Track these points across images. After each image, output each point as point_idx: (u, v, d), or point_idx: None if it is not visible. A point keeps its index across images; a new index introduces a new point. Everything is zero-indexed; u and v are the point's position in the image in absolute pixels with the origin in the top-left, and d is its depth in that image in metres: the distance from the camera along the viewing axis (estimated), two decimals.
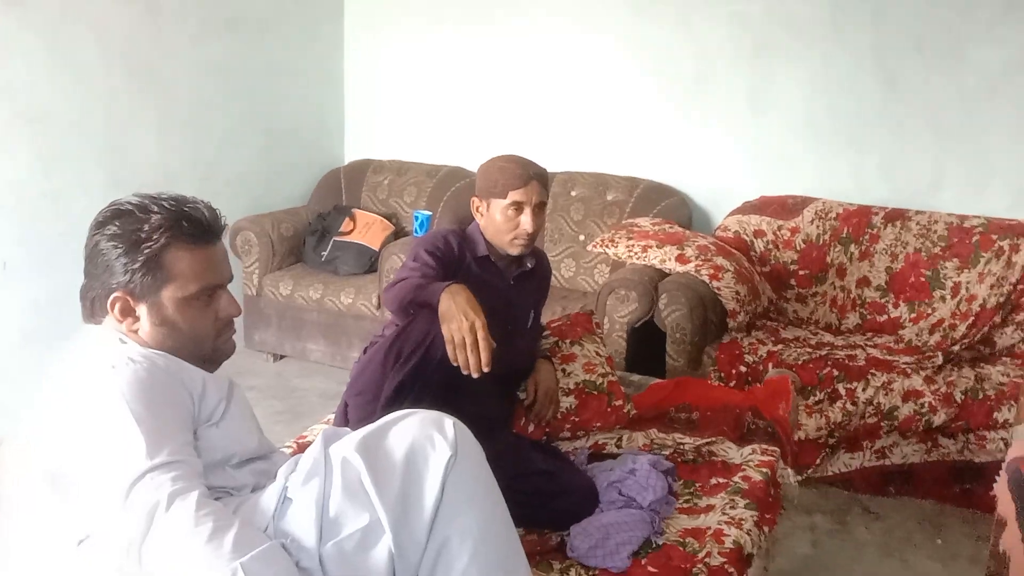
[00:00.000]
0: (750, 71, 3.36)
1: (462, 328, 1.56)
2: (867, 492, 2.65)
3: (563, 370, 2.15)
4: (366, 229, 3.63)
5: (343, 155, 4.26)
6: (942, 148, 3.13)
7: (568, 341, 2.23)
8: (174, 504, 1.01)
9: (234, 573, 0.97)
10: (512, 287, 2.00)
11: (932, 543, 2.42)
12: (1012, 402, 2.50)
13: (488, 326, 1.59)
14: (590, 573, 1.56)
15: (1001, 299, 2.82)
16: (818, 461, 2.63)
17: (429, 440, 1.14)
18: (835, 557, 2.34)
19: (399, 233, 3.71)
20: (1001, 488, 2.03)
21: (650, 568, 1.57)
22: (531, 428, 2.06)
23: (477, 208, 1.95)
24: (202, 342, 1.26)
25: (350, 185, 3.98)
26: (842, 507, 2.58)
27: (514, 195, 1.87)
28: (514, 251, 1.93)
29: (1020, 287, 2.83)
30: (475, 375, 1.56)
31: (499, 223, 1.90)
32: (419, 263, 1.82)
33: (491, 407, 1.89)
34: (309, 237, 3.70)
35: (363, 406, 1.75)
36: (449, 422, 1.17)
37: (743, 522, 1.71)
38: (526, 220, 1.88)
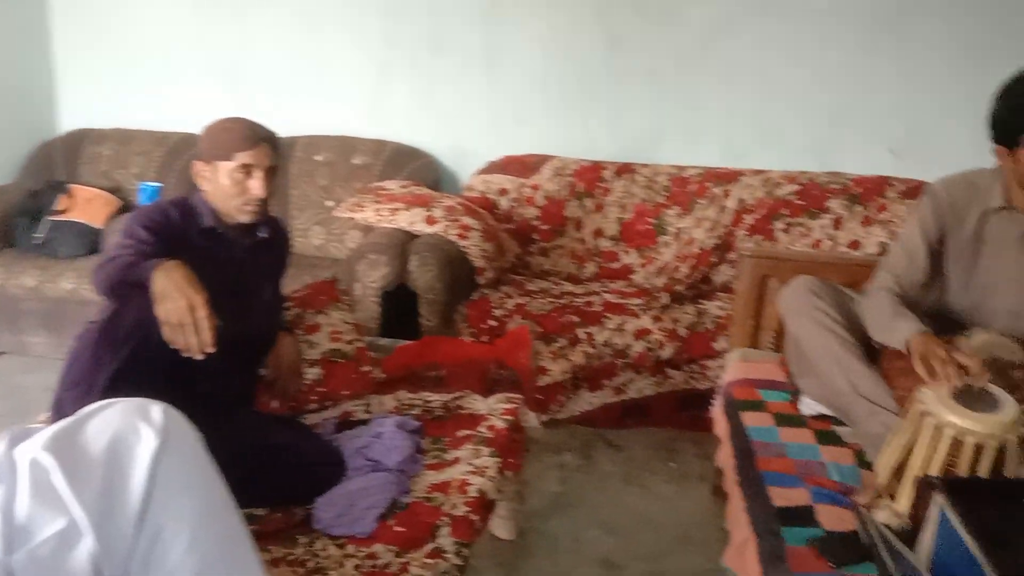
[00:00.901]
0: (485, 30, 3.41)
1: (179, 308, 1.46)
2: (609, 427, 2.85)
3: (308, 341, 2.10)
4: (86, 205, 3.31)
5: (56, 124, 3.84)
6: (661, 105, 3.37)
7: (312, 311, 2.17)
8: None
9: None
10: (245, 259, 1.90)
11: (666, 467, 2.66)
12: (727, 333, 2.78)
13: (219, 302, 1.51)
14: (337, 542, 1.55)
15: (717, 241, 3.12)
16: (565, 402, 2.78)
17: (133, 429, 1.06)
18: (582, 491, 2.50)
19: (126, 208, 3.42)
20: (717, 410, 2.27)
21: (396, 528, 1.58)
22: (275, 404, 2.00)
23: (201, 173, 1.82)
24: None
25: (67, 158, 3.60)
26: (588, 443, 2.76)
27: (241, 157, 1.77)
28: (244, 218, 1.83)
29: (731, 229, 3.14)
30: (198, 357, 1.48)
31: (226, 188, 1.79)
32: (133, 240, 1.68)
33: (227, 385, 1.80)
34: (19, 218, 3.31)
35: (78, 399, 1.59)
36: (157, 408, 1.10)
37: (486, 470, 1.77)
38: (256, 184, 1.78)
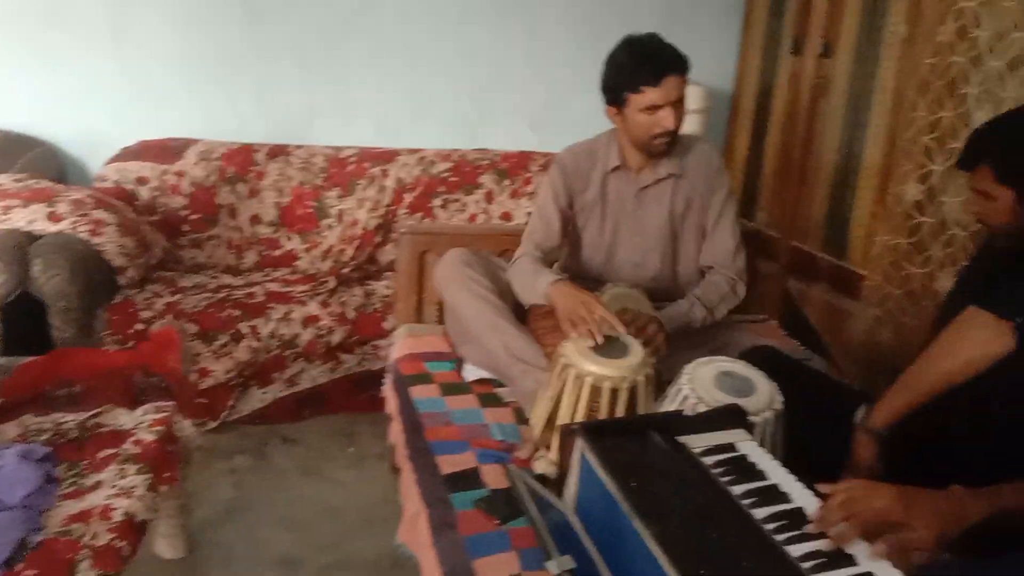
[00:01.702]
0: (106, 2, 3.05)
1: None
2: (286, 421, 2.74)
3: None
4: None
5: None
6: (311, 83, 3.27)
7: None
8: None
9: None
10: None
11: (345, 453, 2.61)
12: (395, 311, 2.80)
13: None
14: None
15: (379, 221, 3.11)
16: (232, 403, 2.62)
17: None
18: (258, 492, 2.37)
19: None
20: (388, 388, 2.27)
21: (26, 572, 1.36)
22: None
23: None
24: None
25: None
26: (261, 442, 2.63)
27: None
28: None
29: (393, 208, 3.15)
30: None
31: None
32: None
33: None
34: None
35: None
36: None
37: (134, 489, 1.59)
38: None
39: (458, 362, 2.17)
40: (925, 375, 1.46)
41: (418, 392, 2.03)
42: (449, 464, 1.71)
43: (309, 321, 2.68)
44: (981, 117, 2.15)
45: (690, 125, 3.01)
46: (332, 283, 2.84)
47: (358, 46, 3.27)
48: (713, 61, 3.53)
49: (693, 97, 2.94)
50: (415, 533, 1.58)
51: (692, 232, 2.19)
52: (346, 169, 3.19)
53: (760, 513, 1.16)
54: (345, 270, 2.95)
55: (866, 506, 1.14)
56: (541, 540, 1.17)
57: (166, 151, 3.07)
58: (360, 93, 3.33)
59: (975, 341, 1.40)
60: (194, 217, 3.02)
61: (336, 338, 2.70)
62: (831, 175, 2.98)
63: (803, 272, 3.10)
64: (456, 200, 3.18)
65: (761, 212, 3.42)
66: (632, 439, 1.35)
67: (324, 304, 2.72)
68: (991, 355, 1.39)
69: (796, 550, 1.09)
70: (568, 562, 1.13)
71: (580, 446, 1.31)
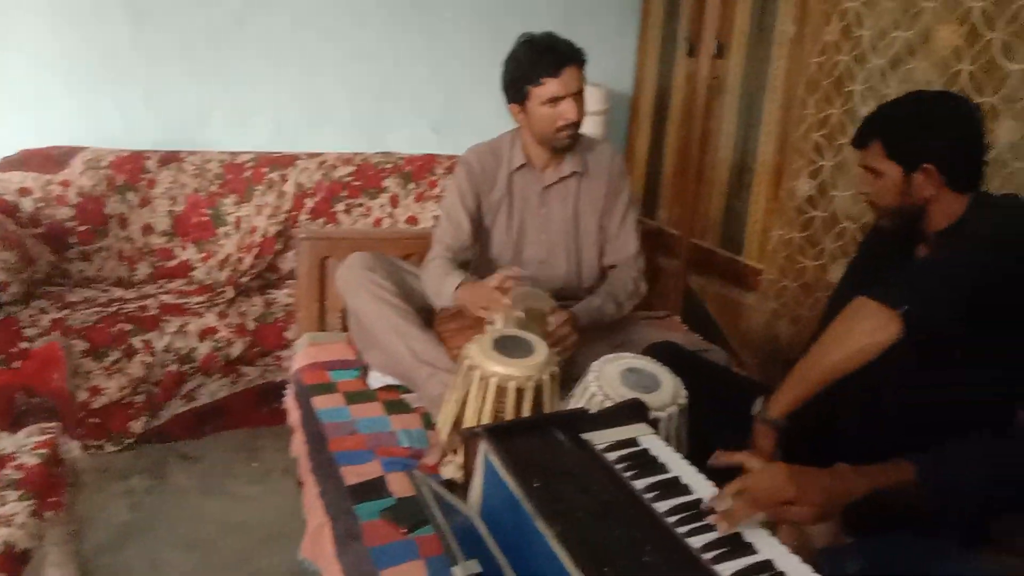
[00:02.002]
0: None
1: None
2: (185, 438, 2.63)
3: None
4: None
5: None
6: (202, 85, 3.15)
7: None
8: None
9: None
10: None
11: (249, 468, 2.53)
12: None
13: None
14: None
15: (279, 227, 3.03)
16: (128, 421, 2.50)
17: None
18: (157, 513, 2.27)
19: None
20: (290, 399, 2.20)
21: None
22: None
23: None
24: None
25: None
26: (159, 461, 2.52)
27: None
28: None
29: (293, 214, 3.07)
30: None
31: None
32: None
33: None
34: None
35: None
36: None
37: (14, 517, 1.49)
38: None
39: (363, 370, 2.13)
40: (817, 366, 1.50)
41: (321, 402, 1.98)
42: (354, 474, 1.66)
43: (206, 333, 2.59)
44: (866, 113, 2.24)
45: (591, 126, 3.05)
46: (230, 293, 2.74)
47: (251, 47, 3.17)
48: (612, 63, 3.58)
49: (593, 98, 2.97)
50: (319, 547, 1.53)
51: (593, 231, 2.22)
52: (243, 175, 3.09)
53: (662, 506, 1.17)
54: (244, 279, 2.85)
55: (756, 483, 1.17)
56: (446, 545, 1.15)
57: (49, 160, 2.91)
58: (255, 96, 3.23)
59: (863, 331, 1.44)
60: (82, 228, 2.87)
61: (236, 350, 2.62)
62: (727, 173, 3.06)
63: (703, 268, 3.17)
64: (360, 205, 3.13)
65: (662, 210, 3.49)
66: (536, 438, 1.33)
67: (222, 315, 2.63)
68: (879, 344, 1.43)
69: (697, 541, 1.10)
70: (474, 566, 1.11)
71: (484, 448, 1.29)
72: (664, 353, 1.84)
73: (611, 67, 3.56)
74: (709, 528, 1.13)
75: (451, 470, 1.67)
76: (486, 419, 1.61)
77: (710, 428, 1.64)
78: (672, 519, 1.14)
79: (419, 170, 3.21)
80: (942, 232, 1.55)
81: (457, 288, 1.95)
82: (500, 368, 1.61)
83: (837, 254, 2.42)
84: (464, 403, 1.65)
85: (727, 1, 3.01)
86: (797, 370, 1.54)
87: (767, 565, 1.06)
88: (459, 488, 1.59)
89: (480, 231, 2.21)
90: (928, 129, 1.51)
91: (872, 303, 1.44)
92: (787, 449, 1.58)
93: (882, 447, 1.44)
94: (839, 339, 1.47)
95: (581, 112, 2.04)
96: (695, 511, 1.16)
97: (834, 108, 2.39)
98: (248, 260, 2.94)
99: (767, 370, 2.67)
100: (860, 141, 1.62)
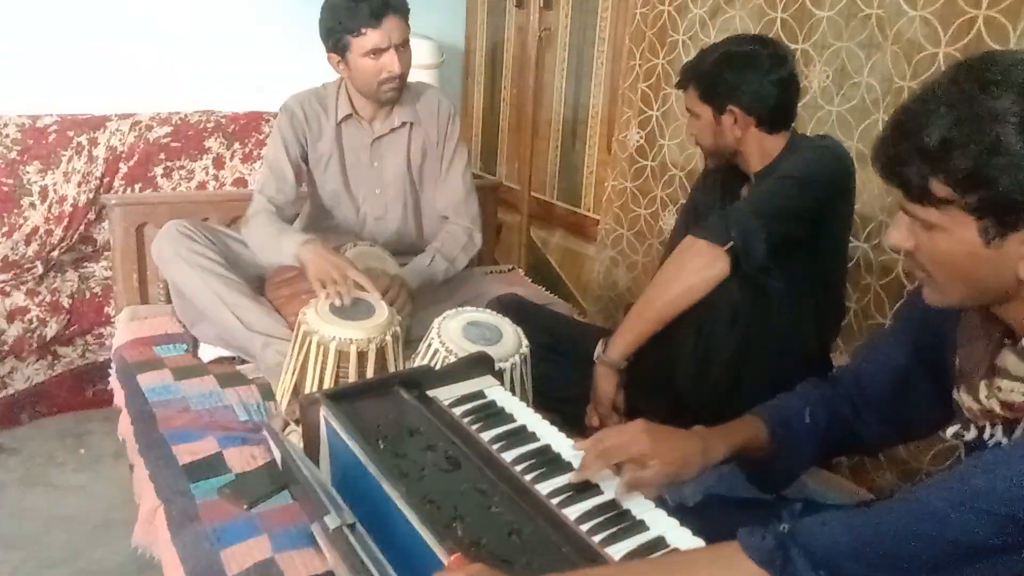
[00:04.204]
0: None
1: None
2: (1, 428, 2.41)
3: None
4: None
5: None
6: None
7: None
8: None
9: None
10: None
11: (76, 456, 2.35)
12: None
13: None
14: None
15: (91, 195, 2.78)
16: None
17: None
18: None
19: None
20: (114, 379, 2.05)
21: None
22: None
23: None
24: None
25: None
26: None
27: None
28: None
29: (108, 180, 2.83)
30: None
31: None
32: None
33: None
34: None
35: None
36: None
37: None
38: None
39: (192, 343, 2.01)
40: (652, 304, 1.54)
41: (148, 379, 1.85)
42: (188, 453, 1.57)
43: (16, 314, 2.36)
44: None
45: (424, 81, 2.98)
46: (40, 269, 2.51)
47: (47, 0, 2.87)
48: (442, 16, 3.50)
49: (424, 52, 2.91)
50: (153, 532, 1.44)
51: (431, 182, 2.17)
52: (47, 140, 2.81)
53: (509, 456, 1.17)
54: (55, 253, 2.61)
55: (610, 434, 1.17)
56: (317, 498, 1.09)
57: None
58: (52, 53, 2.93)
59: (693, 267, 1.50)
60: None
61: (51, 330, 2.41)
62: (561, 126, 3.09)
63: (544, 221, 3.21)
64: (181, 168, 2.92)
65: (501, 165, 3.49)
66: (380, 400, 1.30)
67: (32, 293, 2.41)
68: (709, 280, 1.49)
69: (545, 487, 1.11)
70: (348, 516, 1.06)
71: (324, 414, 1.25)
72: (507, 305, 1.85)
73: (441, 20, 3.48)
74: (556, 473, 1.14)
75: (293, 440, 1.61)
76: (328, 385, 1.56)
77: (555, 376, 1.66)
78: (519, 467, 1.15)
79: (244, 128, 3.02)
80: (759, 173, 1.64)
81: (304, 244, 1.80)
82: (339, 331, 1.56)
83: (667, 201, 2.51)
84: (303, 370, 1.59)
85: None
86: (634, 310, 1.58)
87: (612, 504, 1.08)
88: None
89: (312, 185, 2.11)
90: (734, 72, 1.59)
91: (700, 242, 1.50)
92: (629, 399, 1.62)
93: (717, 391, 1.51)
94: (672, 277, 1.53)
95: (406, 64, 1.97)
96: (541, 458, 1.17)
97: (659, 58, 2.45)
98: (58, 232, 2.69)
99: (607, 317, 2.75)
100: (680, 84, 1.70)
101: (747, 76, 1.58)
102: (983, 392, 0.93)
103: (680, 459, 1.15)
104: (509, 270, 2.77)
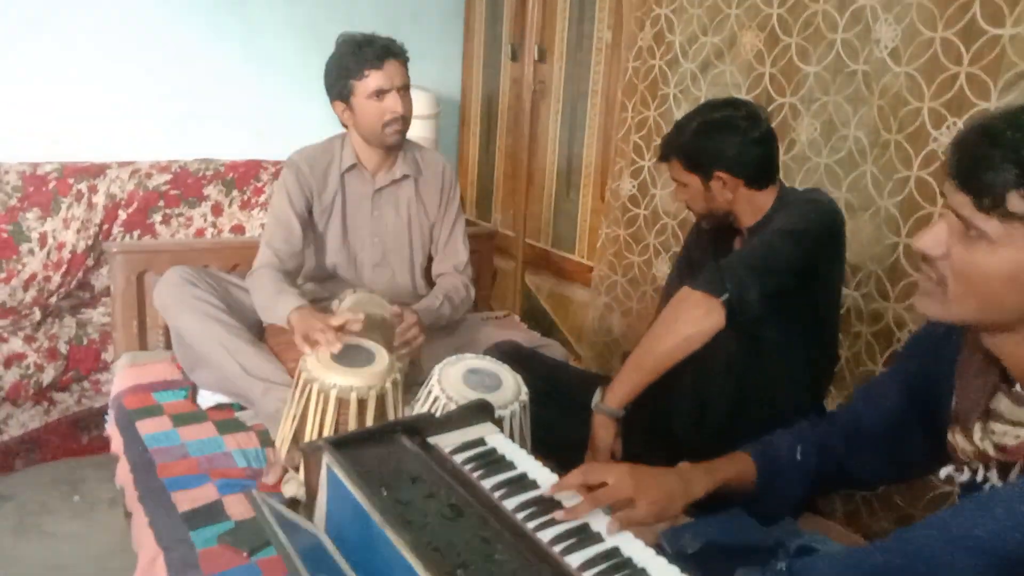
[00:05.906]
0: None
1: None
2: None
3: None
4: None
5: None
6: None
7: None
8: None
9: None
10: None
11: (70, 503, 2.34)
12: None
13: None
14: None
15: (89, 242, 2.81)
16: None
17: None
18: None
19: None
20: (111, 425, 2.05)
21: None
22: None
23: None
24: None
25: None
26: None
27: None
28: None
29: (106, 227, 2.86)
30: None
31: None
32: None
33: None
34: None
35: None
36: None
37: None
38: None
39: (191, 389, 2.02)
40: (649, 355, 1.57)
41: (146, 427, 1.86)
42: (187, 500, 1.57)
43: (13, 359, 2.37)
44: (681, 114, 2.37)
45: (422, 130, 3.04)
46: (37, 315, 2.52)
47: (49, 50, 2.91)
48: (439, 69, 3.59)
49: (422, 103, 2.97)
50: None
51: (422, 237, 2.24)
52: (47, 187, 2.84)
53: (511, 503, 1.18)
54: (53, 299, 2.63)
55: (597, 475, 1.20)
56: (291, 565, 1.11)
57: None
58: (55, 102, 2.97)
59: (689, 319, 1.53)
60: None
61: (47, 377, 2.42)
62: (556, 175, 3.14)
63: (538, 267, 3.25)
64: (180, 215, 2.96)
65: (496, 213, 3.54)
66: (381, 447, 1.31)
67: (29, 339, 2.42)
68: (705, 330, 1.52)
69: (547, 535, 1.12)
70: None
71: (326, 461, 1.26)
72: (506, 352, 1.87)
73: (438, 73, 3.56)
74: (558, 521, 1.15)
75: (292, 488, 1.61)
76: (327, 432, 1.57)
77: (553, 422, 1.68)
78: (521, 515, 1.16)
79: (243, 176, 3.07)
80: (751, 228, 1.68)
81: (296, 309, 1.80)
82: (339, 378, 1.57)
83: (660, 249, 2.55)
84: (303, 418, 1.60)
85: (547, 7, 3.09)
86: (631, 360, 1.60)
87: (614, 552, 1.09)
88: (302, 506, 1.54)
89: (314, 236, 2.15)
90: (713, 140, 1.64)
91: (696, 293, 1.53)
92: (627, 447, 1.64)
93: (714, 439, 1.53)
94: (668, 328, 1.55)
95: (408, 107, 2.03)
96: (543, 505, 1.18)
97: (650, 110, 2.52)
98: (56, 278, 2.71)
99: (602, 362, 2.77)
100: (662, 158, 1.75)
101: (728, 141, 1.63)
102: (977, 434, 0.95)
103: (664, 497, 1.20)
104: (504, 316, 2.80)
